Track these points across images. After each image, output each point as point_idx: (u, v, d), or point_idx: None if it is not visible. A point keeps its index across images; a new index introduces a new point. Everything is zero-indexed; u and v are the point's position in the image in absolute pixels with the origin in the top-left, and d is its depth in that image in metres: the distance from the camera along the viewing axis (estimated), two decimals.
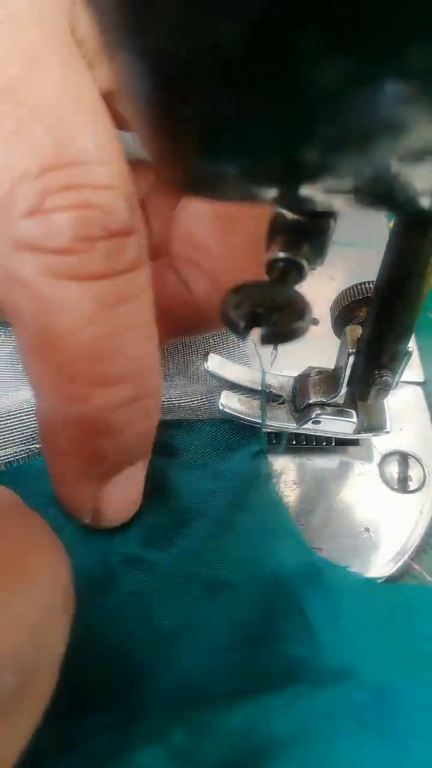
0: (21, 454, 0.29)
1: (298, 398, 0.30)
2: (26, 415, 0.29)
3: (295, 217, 0.18)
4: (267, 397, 0.31)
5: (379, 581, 0.30)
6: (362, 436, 0.31)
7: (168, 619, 0.25)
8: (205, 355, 0.31)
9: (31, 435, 0.29)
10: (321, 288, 0.37)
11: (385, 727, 0.24)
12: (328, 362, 0.29)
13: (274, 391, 0.31)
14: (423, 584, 0.30)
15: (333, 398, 0.29)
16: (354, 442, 0.33)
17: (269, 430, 0.31)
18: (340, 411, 0.30)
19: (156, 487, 0.28)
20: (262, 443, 0.30)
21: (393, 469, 0.33)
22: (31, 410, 0.29)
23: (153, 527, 0.28)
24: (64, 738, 0.22)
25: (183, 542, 0.28)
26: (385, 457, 0.33)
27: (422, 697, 0.25)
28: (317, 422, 0.30)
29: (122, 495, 0.25)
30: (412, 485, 0.33)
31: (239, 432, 0.31)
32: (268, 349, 0.33)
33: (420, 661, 0.26)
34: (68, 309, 0.19)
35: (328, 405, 0.29)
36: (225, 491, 0.29)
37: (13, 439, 0.29)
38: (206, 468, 0.30)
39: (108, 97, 0.21)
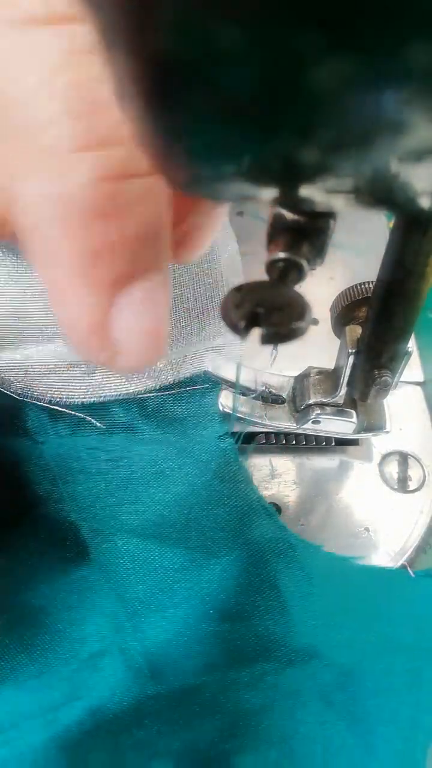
0: None
1: (298, 398, 0.30)
2: None
3: (295, 217, 0.18)
4: (240, 388, 0.31)
5: (354, 559, 0.30)
6: (362, 436, 0.31)
7: (138, 589, 0.26)
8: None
9: None
10: (321, 288, 0.37)
11: (350, 708, 0.24)
12: (328, 362, 0.29)
13: (274, 391, 0.31)
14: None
15: (333, 398, 0.29)
16: (354, 442, 0.33)
17: (267, 431, 0.31)
18: (340, 411, 0.30)
19: (120, 461, 0.29)
20: (228, 425, 0.30)
21: (393, 469, 0.33)
22: None
23: (120, 501, 0.28)
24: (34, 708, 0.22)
25: (151, 513, 0.28)
26: (385, 457, 0.33)
27: (389, 682, 0.25)
28: (317, 422, 0.30)
29: (140, 322, 0.20)
30: (412, 485, 0.33)
31: (203, 414, 0.31)
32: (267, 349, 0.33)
33: (389, 646, 0.26)
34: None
35: (328, 405, 0.29)
36: (193, 467, 0.29)
37: None
38: (171, 445, 0.30)
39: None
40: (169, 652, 0.24)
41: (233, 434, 0.31)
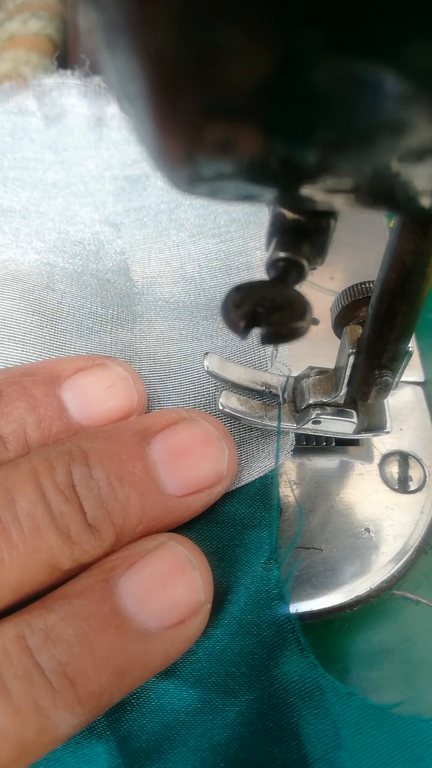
0: None
1: (298, 398, 0.30)
2: None
3: (295, 216, 0.18)
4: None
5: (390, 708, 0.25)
6: (362, 436, 0.31)
7: (143, 737, 0.23)
8: (206, 355, 0.31)
9: None
10: (321, 288, 0.37)
11: None
12: (328, 362, 0.29)
13: (273, 392, 0.31)
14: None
15: (333, 398, 0.29)
16: (354, 442, 0.33)
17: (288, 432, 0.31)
18: (340, 411, 0.29)
19: None
20: (272, 548, 0.27)
21: (393, 469, 0.33)
22: None
23: None
24: None
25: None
26: (386, 457, 0.33)
27: None
28: (317, 422, 0.30)
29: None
30: (413, 485, 0.33)
31: (246, 540, 0.28)
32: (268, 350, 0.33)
33: None
34: None
35: (328, 405, 0.29)
36: (230, 591, 0.26)
37: None
38: (211, 554, 0.27)
39: None
40: None
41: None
